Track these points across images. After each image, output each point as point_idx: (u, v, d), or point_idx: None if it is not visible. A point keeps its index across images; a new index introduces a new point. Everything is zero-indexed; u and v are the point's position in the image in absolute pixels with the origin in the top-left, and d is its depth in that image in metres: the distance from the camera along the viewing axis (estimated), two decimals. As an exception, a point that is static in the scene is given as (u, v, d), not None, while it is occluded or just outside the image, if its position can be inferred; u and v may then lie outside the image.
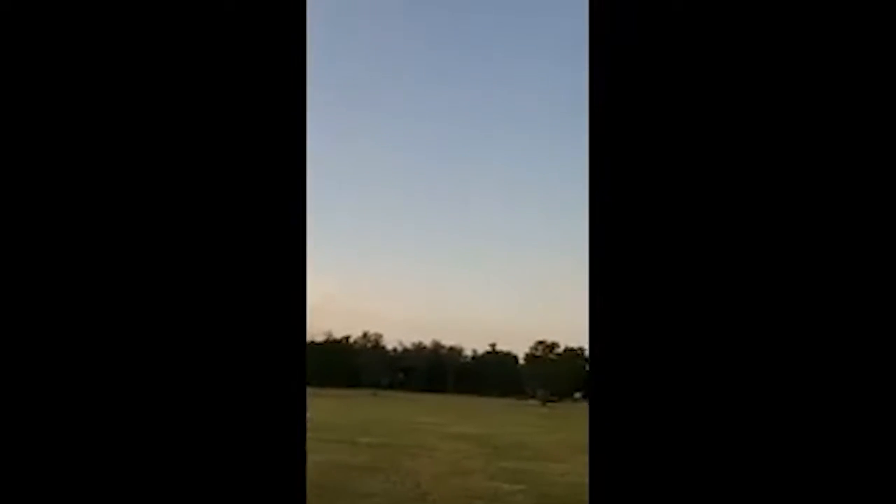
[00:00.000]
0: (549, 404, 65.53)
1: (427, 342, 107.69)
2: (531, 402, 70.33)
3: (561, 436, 17.21)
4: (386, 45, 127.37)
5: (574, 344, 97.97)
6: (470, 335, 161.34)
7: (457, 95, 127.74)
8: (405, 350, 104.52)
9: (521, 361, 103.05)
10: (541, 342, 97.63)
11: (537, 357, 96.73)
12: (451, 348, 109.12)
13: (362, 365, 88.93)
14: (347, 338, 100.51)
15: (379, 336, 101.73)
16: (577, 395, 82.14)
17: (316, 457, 8.09)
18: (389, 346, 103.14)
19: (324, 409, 24.15)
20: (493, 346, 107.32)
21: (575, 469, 9.93)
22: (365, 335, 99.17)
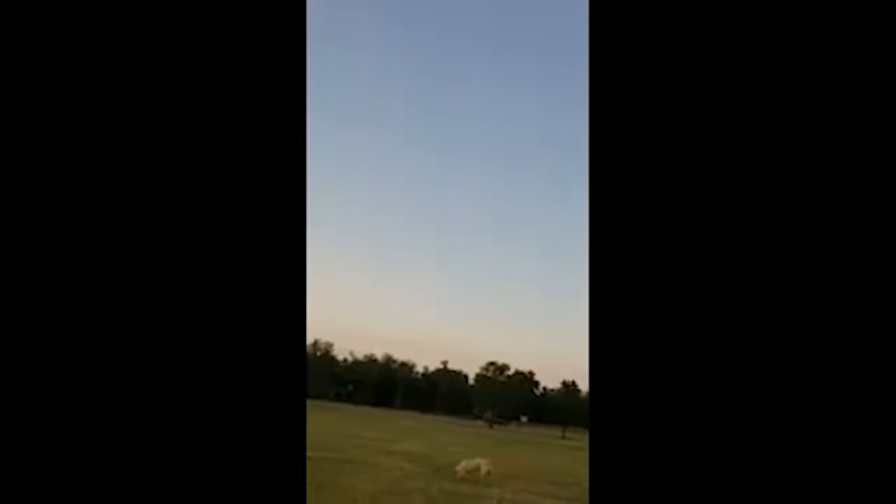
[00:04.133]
0: (496, 426, 65.52)
1: (379, 355, 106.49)
2: (478, 423, 70.17)
3: (502, 460, 17.14)
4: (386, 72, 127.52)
5: (524, 367, 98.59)
6: (423, 351, 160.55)
7: (438, 124, 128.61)
8: (356, 361, 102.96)
9: (472, 381, 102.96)
10: (492, 363, 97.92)
11: (488, 378, 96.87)
12: (403, 363, 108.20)
13: (309, 374, 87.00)
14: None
15: (330, 345, 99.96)
16: (524, 418, 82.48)
17: (249, 468, 7.73)
18: (340, 357, 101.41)
19: (265, 417, 23.24)
20: (444, 363, 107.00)
21: (513, 496, 9.86)
22: (315, 343, 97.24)
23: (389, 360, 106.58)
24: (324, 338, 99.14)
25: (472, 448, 20.98)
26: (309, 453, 12.23)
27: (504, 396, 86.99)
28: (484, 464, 11.13)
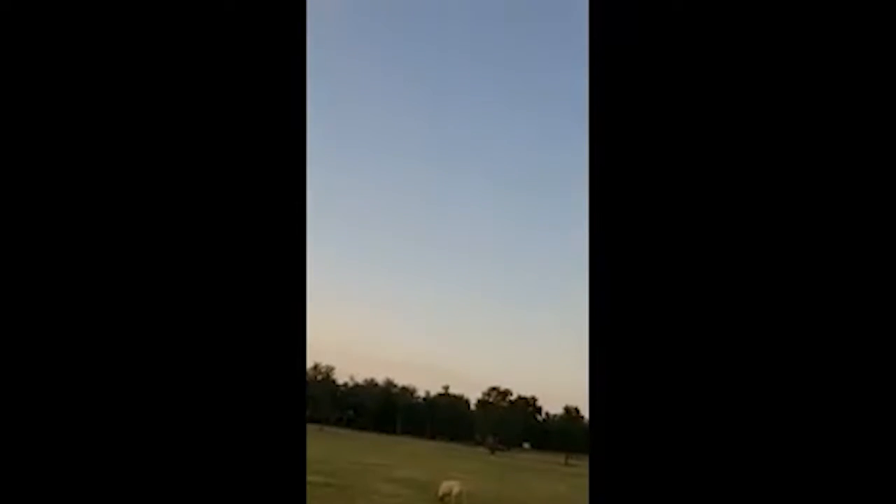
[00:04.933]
0: (498, 452, 64.62)
1: (380, 379, 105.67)
2: (480, 449, 69.23)
3: (500, 487, 16.95)
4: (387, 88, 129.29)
5: (527, 393, 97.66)
6: (424, 375, 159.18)
7: (433, 135, 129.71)
8: (357, 385, 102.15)
9: (473, 407, 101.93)
10: (494, 388, 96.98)
11: (489, 403, 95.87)
12: (404, 388, 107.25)
13: (310, 398, 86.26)
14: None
15: (331, 369, 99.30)
16: (526, 444, 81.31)
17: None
18: (340, 381, 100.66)
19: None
20: (446, 388, 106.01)
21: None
22: (316, 367, 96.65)
23: (390, 384, 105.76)
24: (324, 361, 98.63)
25: (472, 475, 20.75)
26: (311, 478, 12.18)
27: (506, 422, 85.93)
28: (455, 485, 12.89)
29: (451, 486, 12.85)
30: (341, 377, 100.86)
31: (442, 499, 12.36)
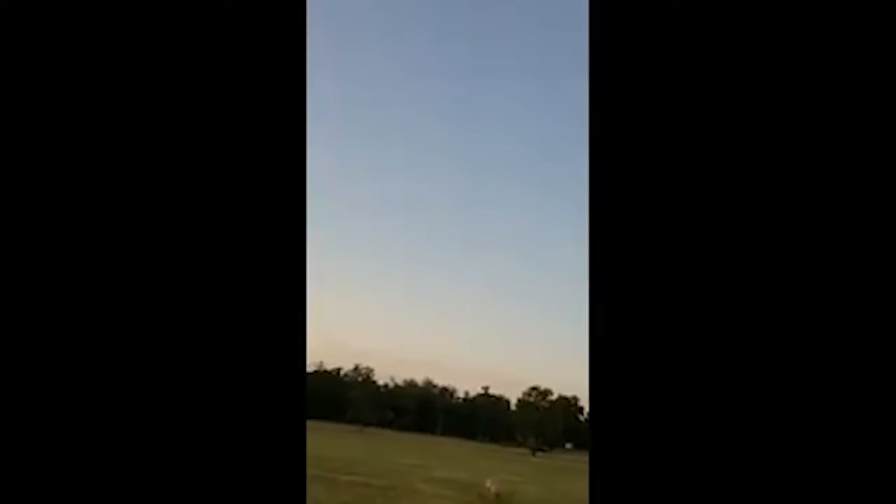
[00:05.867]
0: (539, 454, 64.02)
1: (419, 380, 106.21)
2: (521, 450, 68.75)
3: (548, 489, 16.71)
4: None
5: (568, 392, 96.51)
6: (464, 376, 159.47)
7: (468, 142, 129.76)
8: (396, 386, 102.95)
9: (514, 407, 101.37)
10: (534, 388, 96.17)
11: (530, 403, 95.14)
12: (444, 388, 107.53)
13: (352, 399, 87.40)
14: (339, 370, 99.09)
15: (370, 370, 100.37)
16: (569, 445, 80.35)
17: (293, 493, 7.74)
18: (381, 382, 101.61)
19: (308, 442, 23.41)
20: (486, 388, 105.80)
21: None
22: (356, 368, 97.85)
23: (430, 384, 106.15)
24: (364, 363, 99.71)
25: (515, 475, 20.53)
26: (351, 478, 12.24)
27: (547, 422, 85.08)
28: (490, 483, 13.87)
29: (491, 484, 13.55)
30: (381, 378, 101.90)
31: (497, 496, 12.86)
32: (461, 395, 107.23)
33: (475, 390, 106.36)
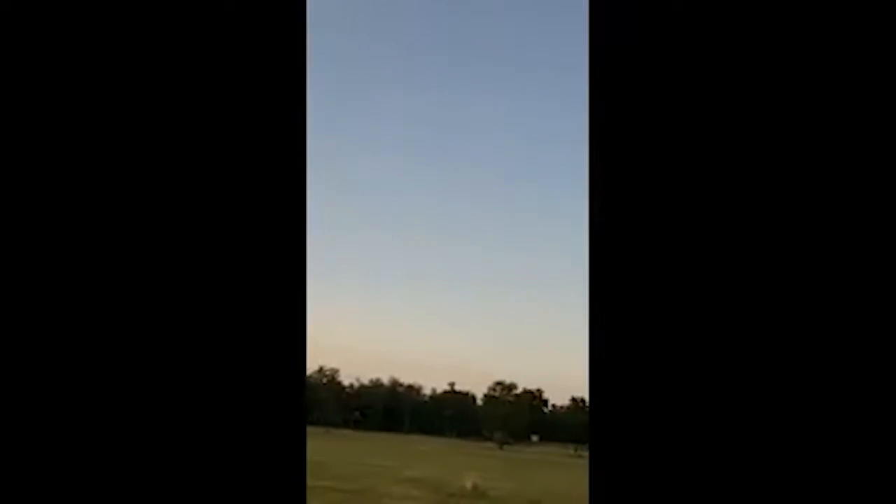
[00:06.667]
0: (506, 447, 64.65)
1: (385, 379, 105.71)
2: (488, 444, 69.24)
3: (516, 484, 16.73)
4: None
5: (532, 386, 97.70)
6: (429, 373, 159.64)
7: (436, 131, 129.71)
8: (362, 386, 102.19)
9: (480, 402, 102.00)
10: (499, 383, 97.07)
11: (496, 398, 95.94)
12: (410, 386, 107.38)
13: (316, 401, 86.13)
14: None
15: (335, 371, 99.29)
16: (534, 437, 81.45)
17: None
18: (346, 382, 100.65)
19: (272, 447, 22.78)
20: (451, 385, 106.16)
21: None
22: (321, 370, 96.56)
23: (396, 383, 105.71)
24: (328, 364, 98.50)
25: (485, 471, 20.52)
26: (319, 483, 11.92)
27: (513, 416, 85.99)
28: (469, 479, 14.22)
29: (470, 479, 14.02)
30: (346, 379, 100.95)
31: (474, 487, 13.47)
32: (427, 392, 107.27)
33: (441, 387, 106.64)
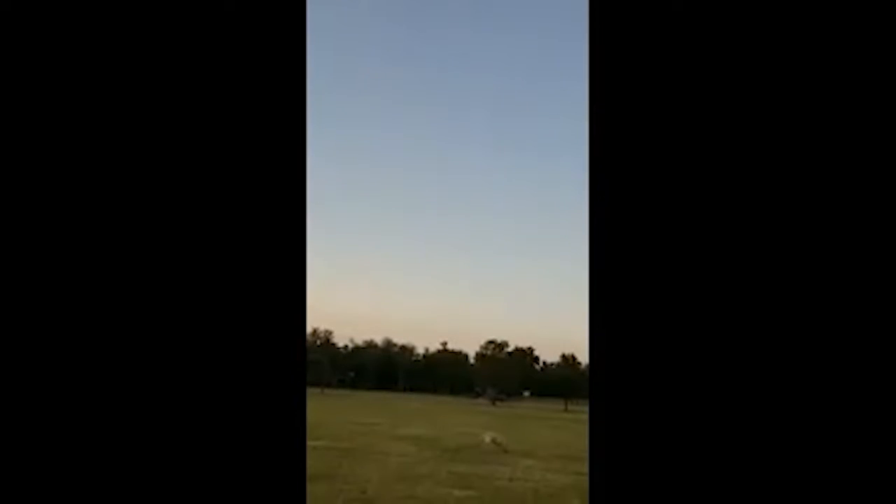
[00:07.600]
0: (498, 402, 66.14)
1: (379, 340, 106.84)
2: (481, 400, 70.76)
3: (518, 439, 17.20)
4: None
5: (523, 343, 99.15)
6: (422, 333, 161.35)
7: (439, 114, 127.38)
8: (356, 347, 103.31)
9: (472, 360, 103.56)
10: (491, 341, 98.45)
11: (488, 356, 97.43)
12: (403, 346, 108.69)
13: (311, 363, 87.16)
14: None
15: (329, 333, 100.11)
16: (526, 393, 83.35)
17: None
18: (340, 344, 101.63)
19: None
20: (444, 344, 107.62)
21: (523, 474, 9.84)
22: (314, 332, 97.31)
23: (390, 344, 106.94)
24: (322, 326, 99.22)
25: (479, 427, 21.05)
26: (314, 443, 12.19)
27: (505, 373, 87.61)
28: (486, 436, 14.24)
29: (491, 436, 14.27)
30: (341, 340, 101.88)
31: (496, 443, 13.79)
32: (421, 351, 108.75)
33: (434, 347, 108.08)
